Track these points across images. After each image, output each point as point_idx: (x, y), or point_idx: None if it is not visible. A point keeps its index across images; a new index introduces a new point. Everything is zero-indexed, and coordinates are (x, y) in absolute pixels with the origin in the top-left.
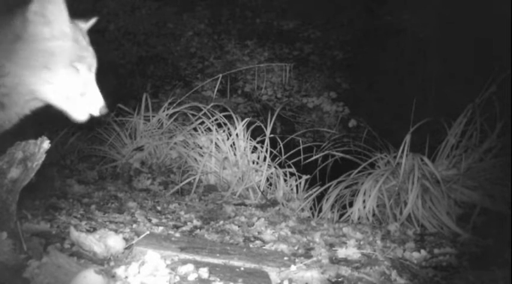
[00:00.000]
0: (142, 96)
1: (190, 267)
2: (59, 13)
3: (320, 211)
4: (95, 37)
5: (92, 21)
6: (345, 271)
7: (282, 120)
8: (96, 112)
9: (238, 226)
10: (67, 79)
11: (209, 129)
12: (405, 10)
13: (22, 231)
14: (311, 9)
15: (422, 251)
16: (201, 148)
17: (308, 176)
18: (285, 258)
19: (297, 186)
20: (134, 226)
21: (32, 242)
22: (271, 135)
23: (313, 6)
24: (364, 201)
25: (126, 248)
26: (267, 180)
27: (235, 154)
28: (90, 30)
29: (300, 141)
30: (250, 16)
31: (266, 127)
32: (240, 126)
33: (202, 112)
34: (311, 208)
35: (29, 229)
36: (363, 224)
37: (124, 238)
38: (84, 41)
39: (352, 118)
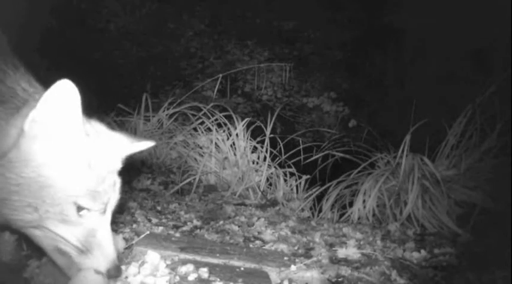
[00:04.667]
0: (142, 96)
1: (190, 267)
2: (69, 124)
3: (320, 211)
4: (95, 37)
5: (146, 144)
6: (345, 271)
7: (282, 120)
8: (101, 270)
9: (238, 226)
10: (64, 226)
11: (209, 129)
12: (405, 10)
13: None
14: (311, 9)
15: (422, 251)
16: (201, 148)
17: (308, 176)
18: (285, 258)
19: (297, 186)
20: (134, 226)
21: (32, 242)
22: (271, 135)
23: (313, 6)
24: (364, 201)
25: (126, 248)
26: (267, 180)
27: (235, 154)
28: (90, 30)
29: (300, 141)
30: (250, 16)
31: (266, 127)
32: (240, 126)
33: (202, 112)
34: (311, 208)
35: None
36: (363, 224)
37: (124, 238)
38: (106, 167)
39: (352, 118)
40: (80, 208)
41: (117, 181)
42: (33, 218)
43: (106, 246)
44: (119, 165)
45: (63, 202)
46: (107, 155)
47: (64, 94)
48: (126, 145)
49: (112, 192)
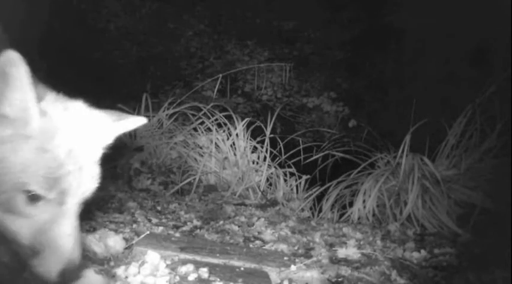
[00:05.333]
0: (142, 96)
1: (190, 267)
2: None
3: (320, 211)
4: (95, 37)
5: (134, 121)
6: (345, 271)
7: (282, 120)
8: (53, 273)
9: (238, 226)
10: (12, 218)
11: (209, 129)
12: (405, 10)
13: None
14: (311, 9)
15: (422, 251)
16: (201, 148)
17: (308, 176)
18: (285, 258)
19: (297, 186)
20: (134, 226)
21: None
22: (271, 135)
23: (313, 6)
24: (364, 201)
25: (126, 248)
26: (267, 180)
27: (235, 154)
28: (90, 30)
29: (300, 141)
30: (250, 16)
31: (266, 127)
32: (240, 126)
33: (202, 112)
34: (311, 208)
35: None
36: (363, 224)
37: (124, 238)
38: (65, 150)
39: (352, 118)
40: (31, 197)
41: (87, 167)
42: None
43: (60, 245)
44: (94, 149)
45: (10, 189)
46: (69, 137)
47: (9, 67)
48: (109, 126)
49: (76, 179)
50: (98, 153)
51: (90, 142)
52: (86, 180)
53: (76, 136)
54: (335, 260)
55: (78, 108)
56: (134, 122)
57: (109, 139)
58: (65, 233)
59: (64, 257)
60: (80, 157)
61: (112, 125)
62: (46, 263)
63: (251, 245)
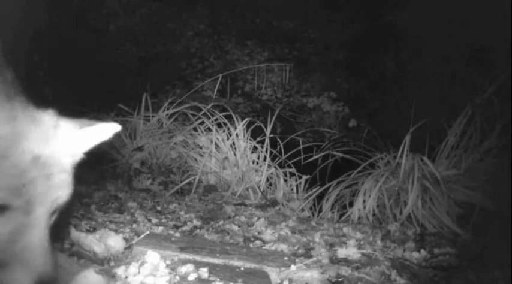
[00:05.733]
0: (142, 96)
1: (190, 267)
2: None
3: (320, 211)
4: (95, 37)
5: (107, 129)
6: (345, 271)
7: (282, 120)
8: None
9: (238, 226)
10: None
11: (209, 129)
12: (405, 10)
13: None
14: (311, 9)
15: (422, 251)
16: (201, 148)
17: (308, 176)
18: (285, 258)
19: (297, 186)
20: (134, 226)
21: None
22: (271, 135)
23: (313, 6)
24: (364, 201)
25: (126, 248)
26: (267, 180)
27: (235, 154)
28: (91, 29)
29: (300, 141)
30: (250, 16)
31: (266, 127)
32: (240, 126)
33: (202, 112)
34: (311, 208)
35: None
36: (363, 224)
37: (124, 238)
38: (28, 157)
39: (352, 118)
40: None
41: (57, 174)
42: None
43: (30, 257)
44: (65, 157)
45: None
46: (36, 144)
47: None
48: (77, 135)
49: (43, 187)
50: (69, 161)
51: (60, 150)
52: (55, 188)
53: (44, 144)
54: (335, 260)
55: (47, 116)
56: (107, 130)
57: (83, 148)
58: (34, 244)
59: (34, 270)
60: (48, 164)
61: (82, 133)
62: (15, 277)
63: (251, 245)
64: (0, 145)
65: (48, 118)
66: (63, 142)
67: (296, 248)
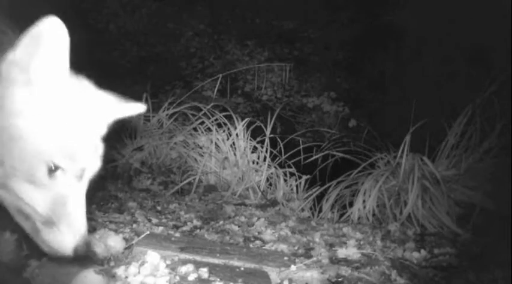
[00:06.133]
0: (142, 96)
1: (190, 267)
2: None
3: (320, 211)
4: (95, 37)
5: (135, 107)
6: (345, 271)
7: (282, 120)
8: (68, 246)
9: (238, 226)
10: (31, 187)
11: (209, 129)
12: (405, 10)
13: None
14: (311, 9)
15: (422, 251)
16: (201, 148)
17: (308, 176)
18: (285, 258)
19: (297, 186)
20: (134, 226)
21: (32, 242)
22: (271, 135)
23: (313, 6)
24: (364, 201)
25: (126, 248)
26: (267, 180)
27: (235, 154)
28: (91, 29)
29: (300, 141)
30: (250, 16)
31: (266, 127)
32: (240, 126)
33: (202, 112)
34: (311, 208)
35: None
36: (363, 224)
37: (124, 238)
38: (88, 126)
39: (352, 118)
40: (52, 170)
41: (100, 146)
42: None
43: (75, 219)
44: (103, 129)
45: (33, 159)
46: (91, 113)
47: (51, 34)
48: (113, 107)
49: (92, 156)
50: (103, 132)
51: (101, 121)
52: (98, 158)
53: (90, 113)
54: (335, 260)
55: (87, 85)
56: (135, 108)
57: (110, 121)
58: (80, 208)
59: (78, 231)
60: (96, 135)
61: (115, 106)
62: (61, 237)
63: (251, 245)
64: (66, 112)
65: (89, 88)
66: (102, 112)
67: (296, 248)
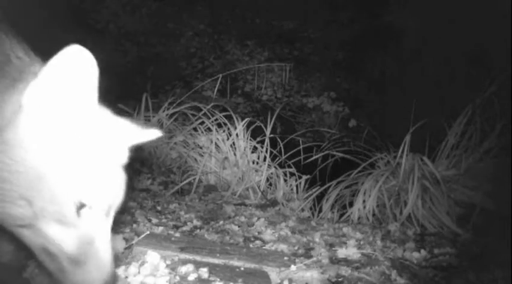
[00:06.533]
0: (142, 96)
1: (190, 267)
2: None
3: (320, 211)
4: (95, 37)
5: (154, 133)
6: (345, 271)
7: (282, 120)
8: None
9: (238, 226)
10: (59, 227)
11: (209, 129)
12: (405, 10)
13: None
14: (311, 9)
15: (422, 251)
16: (201, 148)
17: (308, 176)
18: (285, 258)
19: (297, 186)
20: (134, 226)
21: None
22: (271, 135)
23: (313, 6)
24: (364, 201)
25: (126, 248)
26: (267, 180)
27: (235, 154)
28: (91, 29)
29: (300, 141)
30: (250, 16)
31: (266, 127)
32: (240, 126)
33: (202, 112)
34: (311, 208)
35: None
36: (363, 224)
37: (124, 238)
38: (114, 160)
39: (352, 118)
40: (80, 208)
41: (123, 178)
42: (26, 214)
43: (103, 257)
44: (125, 158)
45: (62, 198)
46: (115, 145)
47: (77, 63)
48: (133, 134)
49: (117, 190)
50: (125, 161)
51: (123, 151)
52: (122, 193)
53: (113, 145)
54: (335, 260)
55: (106, 113)
56: (153, 134)
57: (129, 148)
58: (106, 245)
59: (105, 268)
60: (122, 168)
61: (134, 133)
62: (89, 275)
63: (251, 245)
64: (95, 147)
65: (111, 119)
66: (126, 140)
67: (296, 248)
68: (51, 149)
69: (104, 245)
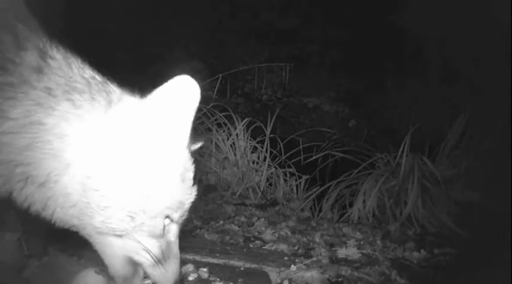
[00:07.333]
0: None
1: (190, 267)
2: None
3: (320, 211)
4: (95, 37)
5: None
6: (345, 271)
7: (282, 120)
8: (171, 281)
9: (238, 226)
10: (150, 239)
11: (209, 129)
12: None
13: (22, 231)
14: (311, 8)
15: (422, 251)
16: (201, 148)
17: (308, 176)
18: (285, 258)
19: (297, 186)
20: None
21: (32, 243)
22: (271, 135)
23: (313, 5)
24: (364, 201)
25: None
26: (267, 180)
27: (235, 154)
28: (91, 29)
29: (300, 141)
30: (250, 16)
31: (266, 127)
32: (240, 126)
33: (203, 112)
34: (311, 208)
35: (30, 229)
36: (363, 224)
37: None
38: (190, 169)
39: (352, 118)
40: (168, 222)
41: (194, 189)
42: (126, 228)
43: (176, 259)
44: (192, 172)
45: (159, 216)
46: (192, 163)
47: (184, 93)
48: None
49: (191, 199)
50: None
51: (187, 160)
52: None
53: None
54: (335, 260)
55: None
56: (199, 143)
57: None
58: (178, 250)
59: (177, 270)
60: (190, 176)
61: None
62: (167, 275)
63: (251, 245)
64: (181, 169)
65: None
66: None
67: (296, 248)
68: (159, 172)
69: (177, 250)
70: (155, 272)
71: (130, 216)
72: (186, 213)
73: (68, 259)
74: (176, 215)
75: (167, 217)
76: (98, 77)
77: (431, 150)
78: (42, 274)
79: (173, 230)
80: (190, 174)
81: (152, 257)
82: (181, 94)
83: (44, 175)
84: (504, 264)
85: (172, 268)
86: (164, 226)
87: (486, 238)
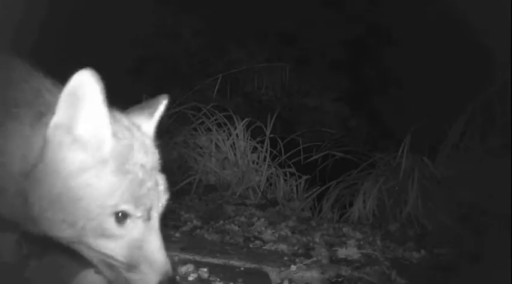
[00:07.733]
0: (142, 97)
1: (190, 267)
2: (99, 122)
3: (320, 211)
4: (95, 37)
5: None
6: (345, 271)
7: (282, 120)
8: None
9: (238, 226)
10: (105, 240)
11: (209, 129)
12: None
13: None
14: (311, 9)
15: (422, 251)
16: (201, 148)
17: (308, 176)
18: (285, 258)
19: (297, 186)
20: None
21: (32, 243)
22: (271, 135)
23: (313, 6)
24: (364, 201)
25: None
26: (267, 180)
27: (235, 154)
28: (90, 29)
29: (300, 141)
30: (250, 16)
31: (266, 127)
32: (240, 126)
33: (202, 112)
34: (311, 208)
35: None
36: (363, 224)
37: None
38: (141, 167)
39: (352, 118)
40: (119, 219)
41: (160, 180)
42: (72, 234)
43: (155, 258)
44: (157, 159)
45: (99, 215)
46: (140, 152)
47: (84, 89)
48: (150, 125)
49: (155, 194)
50: (159, 160)
51: (153, 152)
52: (162, 193)
53: (142, 150)
54: (335, 260)
55: (122, 118)
56: (160, 105)
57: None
58: (155, 246)
59: (160, 269)
60: (154, 171)
61: (147, 120)
62: (145, 277)
63: (251, 245)
64: (118, 161)
65: (133, 122)
66: (151, 142)
67: (296, 248)
68: (81, 171)
69: (154, 246)
70: (133, 276)
71: (67, 222)
72: (160, 206)
73: (67, 259)
74: (130, 209)
75: (121, 214)
76: (55, 89)
77: (431, 150)
78: (42, 274)
79: (138, 229)
80: (137, 165)
81: (118, 260)
82: (83, 90)
83: None
84: (504, 264)
85: (149, 268)
86: (118, 225)
87: (486, 238)
